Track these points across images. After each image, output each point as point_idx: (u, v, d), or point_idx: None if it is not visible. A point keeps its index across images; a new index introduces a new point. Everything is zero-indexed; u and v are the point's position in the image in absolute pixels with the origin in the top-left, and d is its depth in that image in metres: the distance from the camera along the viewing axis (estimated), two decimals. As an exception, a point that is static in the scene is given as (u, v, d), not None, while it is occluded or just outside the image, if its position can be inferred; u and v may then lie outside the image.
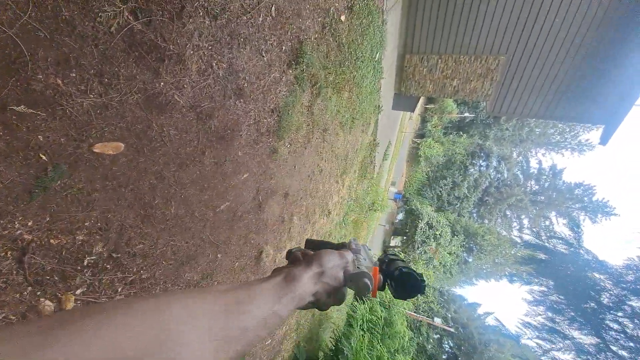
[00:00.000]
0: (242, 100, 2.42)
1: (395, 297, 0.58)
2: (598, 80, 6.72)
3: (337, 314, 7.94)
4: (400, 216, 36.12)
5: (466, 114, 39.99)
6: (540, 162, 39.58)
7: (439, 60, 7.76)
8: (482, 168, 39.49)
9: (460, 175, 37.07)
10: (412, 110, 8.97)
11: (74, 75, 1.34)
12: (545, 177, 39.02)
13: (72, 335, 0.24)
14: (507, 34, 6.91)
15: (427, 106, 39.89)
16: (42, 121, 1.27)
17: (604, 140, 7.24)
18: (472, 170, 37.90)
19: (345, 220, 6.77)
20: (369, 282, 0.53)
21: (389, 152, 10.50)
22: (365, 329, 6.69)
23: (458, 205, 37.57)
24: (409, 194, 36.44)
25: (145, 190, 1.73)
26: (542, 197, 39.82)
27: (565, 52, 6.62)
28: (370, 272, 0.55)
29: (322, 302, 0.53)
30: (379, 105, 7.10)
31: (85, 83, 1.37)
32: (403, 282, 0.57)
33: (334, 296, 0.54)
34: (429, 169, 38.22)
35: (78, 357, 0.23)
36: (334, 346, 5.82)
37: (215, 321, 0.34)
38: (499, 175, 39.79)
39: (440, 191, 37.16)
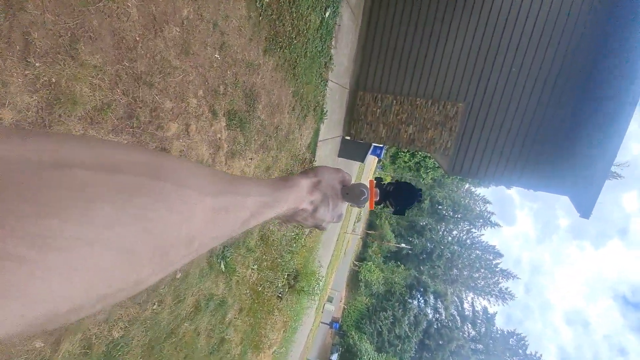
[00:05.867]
0: None
1: (395, 214, 0.60)
2: (566, 142, 5.77)
3: None
4: (335, 357, 28.44)
5: (403, 245, 40.25)
6: (472, 305, 38.37)
7: (394, 102, 6.58)
8: (421, 303, 36.74)
9: (401, 309, 33.39)
10: (362, 160, 7.10)
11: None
12: (480, 321, 37.04)
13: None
14: (465, 79, 6.17)
15: (368, 232, 40.00)
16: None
17: (585, 214, 5.68)
18: (411, 304, 34.81)
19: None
20: (364, 190, 0.54)
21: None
22: None
23: (400, 347, 31.87)
24: (347, 325, 30.50)
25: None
26: (481, 346, 36.60)
27: (526, 100, 5.87)
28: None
29: (320, 213, 0.49)
30: (322, 104, 5.02)
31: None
32: (400, 190, 0.60)
33: (333, 210, 0.51)
34: (368, 301, 34.21)
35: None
36: None
37: (215, 186, 0.30)
38: (437, 315, 37.03)
39: (381, 326, 31.97)
